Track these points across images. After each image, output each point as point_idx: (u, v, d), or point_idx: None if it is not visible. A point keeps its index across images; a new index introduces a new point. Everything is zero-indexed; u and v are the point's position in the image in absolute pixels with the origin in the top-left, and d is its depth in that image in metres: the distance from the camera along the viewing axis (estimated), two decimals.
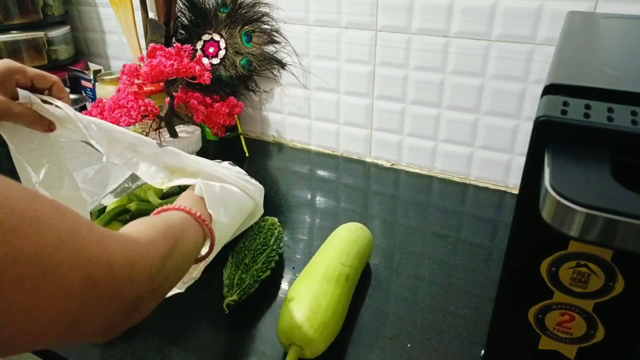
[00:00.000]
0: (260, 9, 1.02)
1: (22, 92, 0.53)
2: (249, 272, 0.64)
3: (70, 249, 0.32)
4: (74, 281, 0.32)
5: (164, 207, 0.54)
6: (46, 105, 0.54)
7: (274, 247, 0.69)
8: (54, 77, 0.57)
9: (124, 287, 0.37)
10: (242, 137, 1.08)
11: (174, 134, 1.01)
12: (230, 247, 0.69)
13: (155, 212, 0.53)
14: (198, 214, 0.53)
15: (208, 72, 0.97)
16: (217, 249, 0.62)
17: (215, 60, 1.05)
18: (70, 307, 0.32)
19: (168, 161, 0.61)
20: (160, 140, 0.99)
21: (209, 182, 0.61)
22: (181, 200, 0.56)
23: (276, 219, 0.73)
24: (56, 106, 0.55)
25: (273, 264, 0.67)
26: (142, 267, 0.39)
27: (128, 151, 0.58)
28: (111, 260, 0.35)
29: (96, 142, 0.54)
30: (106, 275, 0.35)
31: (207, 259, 0.57)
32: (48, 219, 0.31)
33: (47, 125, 0.56)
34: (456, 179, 0.96)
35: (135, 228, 0.44)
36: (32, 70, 0.55)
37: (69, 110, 0.55)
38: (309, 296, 0.56)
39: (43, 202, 0.32)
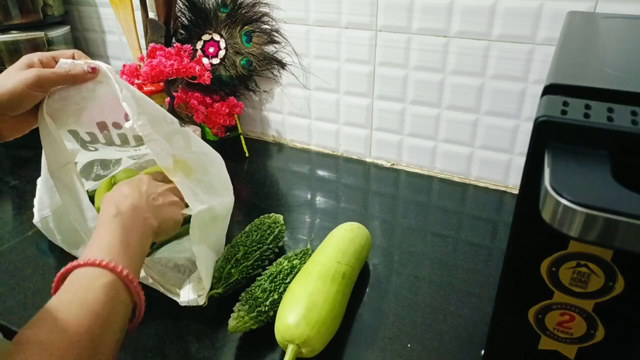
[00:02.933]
0: (260, 9, 1.02)
1: (62, 61, 0.55)
2: (239, 267, 0.63)
3: None
4: None
5: (85, 260, 0.42)
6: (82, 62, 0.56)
7: (271, 245, 0.69)
8: (71, 50, 0.58)
9: None
10: (242, 137, 1.08)
11: None
12: (230, 237, 0.69)
13: (67, 268, 0.42)
14: (127, 274, 0.43)
15: (208, 72, 0.97)
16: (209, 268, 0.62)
17: (215, 60, 1.05)
18: None
19: (177, 144, 0.61)
20: None
21: (199, 215, 0.59)
22: (100, 240, 0.45)
23: (280, 217, 0.73)
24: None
25: (267, 262, 0.67)
26: None
27: (147, 121, 0.56)
28: None
29: (127, 104, 0.54)
30: None
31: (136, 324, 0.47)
32: None
33: (89, 71, 0.55)
34: (456, 179, 0.96)
35: (50, 330, 0.36)
36: (50, 53, 0.56)
37: (103, 65, 0.56)
38: (305, 294, 0.56)
39: None
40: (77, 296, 0.39)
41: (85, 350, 0.37)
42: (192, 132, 0.64)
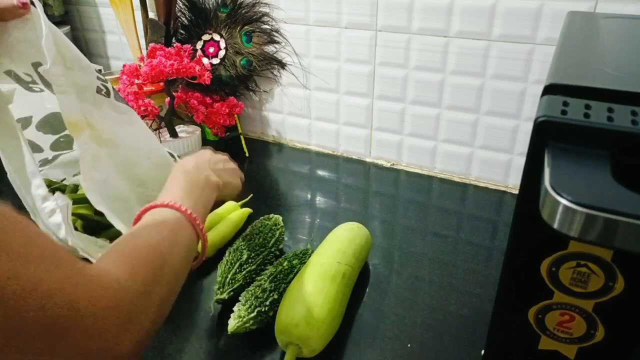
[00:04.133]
0: (260, 9, 1.02)
1: None
2: (243, 272, 0.63)
3: (29, 280, 0.28)
4: (30, 317, 0.28)
5: (159, 202, 0.48)
6: None
7: (272, 249, 0.69)
8: None
9: (101, 335, 0.32)
10: (242, 137, 1.08)
11: (174, 134, 1.01)
12: (229, 242, 0.69)
13: (143, 209, 0.48)
14: (190, 213, 0.48)
15: (208, 72, 0.97)
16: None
17: (215, 60, 1.05)
18: (35, 349, 0.28)
19: (98, 110, 0.57)
20: (160, 140, 0.99)
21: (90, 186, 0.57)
22: (170, 191, 0.50)
23: (280, 218, 0.73)
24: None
25: (269, 266, 0.67)
26: (121, 311, 0.34)
27: (63, 70, 0.53)
28: (79, 303, 0.31)
29: (47, 49, 0.51)
30: (73, 319, 0.30)
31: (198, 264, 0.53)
32: (9, 245, 0.28)
33: (20, 6, 0.53)
34: (456, 179, 0.96)
35: (117, 259, 0.38)
36: None
37: (35, 1, 0.53)
38: (304, 294, 0.56)
39: (10, 228, 0.28)
40: (149, 224, 0.45)
41: (155, 260, 0.40)
42: (127, 108, 0.60)
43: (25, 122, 0.70)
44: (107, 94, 0.59)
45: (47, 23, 0.53)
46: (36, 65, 0.59)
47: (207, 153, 0.63)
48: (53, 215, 0.59)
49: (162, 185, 0.55)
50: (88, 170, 0.57)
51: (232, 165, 0.66)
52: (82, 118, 0.56)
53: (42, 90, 0.64)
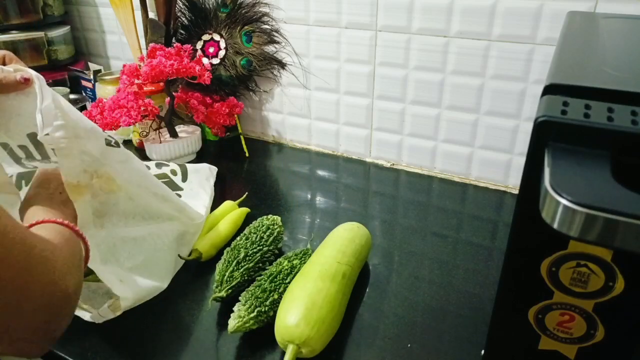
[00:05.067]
0: (260, 9, 1.02)
1: None
2: (241, 270, 0.63)
3: (4, 226, 0.35)
4: (12, 259, 0.35)
5: (34, 221, 0.50)
6: (11, 69, 0.53)
7: (271, 247, 0.69)
8: (1, 52, 0.56)
9: (59, 280, 0.40)
10: (242, 137, 1.08)
11: (174, 134, 1.01)
12: (229, 243, 0.69)
13: (37, 222, 0.50)
14: (71, 225, 0.51)
15: (208, 72, 0.97)
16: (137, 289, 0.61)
17: (215, 60, 1.05)
18: (11, 291, 0.35)
19: (109, 159, 0.59)
20: (160, 140, 0.99)
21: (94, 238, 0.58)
22: (38, 215, 0.52)
23: (278, 218, 0.73)
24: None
25: (268, 264, 0.67)
26: (64, 264, 0.42)
27: (67, 135, 0.54)
28: (41, 250, 0.39)
29: (41, 116, 0.52)
30: (41, 264, 0.38)
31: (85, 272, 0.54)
32: None
33: (22, 82, 0.53)
34: (456, 179, 0.96)
35: (39, 232, 0.45)
36: None
37: (33, 74, 0.53)
38: (304, 294, 0.56)
39: None
40: (49, 230, 0.48)
41: (71, 246, 0.47)
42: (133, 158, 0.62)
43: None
44: (117, 145, 0.61)
45: (50, 91, 0.54)
46: (32, 136, 0.59)
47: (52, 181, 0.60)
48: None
49: (169, 215, 0.66)
50: (86, 230, 0.58)
51: None
52: (86, 177, 0.57)
53: (34, 169, 0.65)
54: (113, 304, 0.59)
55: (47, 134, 0.52)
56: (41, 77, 0.54)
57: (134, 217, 0.65)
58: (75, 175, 0.56)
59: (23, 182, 0.72)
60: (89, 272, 0.59)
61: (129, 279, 0.61)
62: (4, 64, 0.55)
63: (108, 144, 0.59)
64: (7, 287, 0.35)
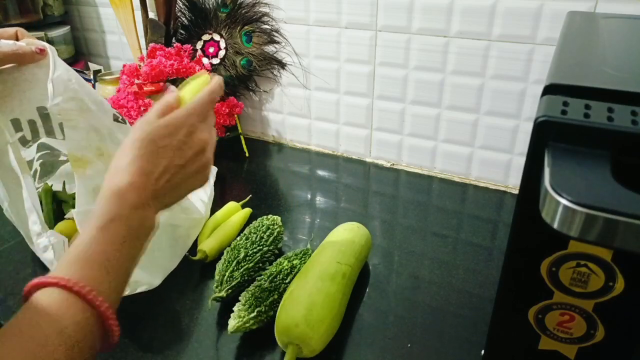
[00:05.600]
0: (260, 9, 1.02)
1: (2, 42, 0.53)
2: (241, 270, 0.63)
3: None
4: None
5: (49, 279, 0.34)
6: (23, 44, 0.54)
7: (271, 247, 0.69)
8: (14, 28, 0.56)
9: None
10: (242, 137, 1.08)
11: None
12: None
13: (32, 284, 0.34)
14: (81, 287, 0.34)
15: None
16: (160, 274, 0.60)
17: (215, 60, 1.05)
18: None
19: (107, 142, 0.58)
20: None
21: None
22: (86, 245, 0.36)
23: (278, 218, 0.73)
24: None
25: (268, 264, 0.67)
26: None
27: (76, 107, 0.54)
28: None
29: (52, 85, 0.52)
30: None
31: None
32: None
33: (38, 52, 0.54)
34: (456, 179, 0.96)
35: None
36: None
37: (47, 46, 0.55)
38: (304, 294, 0.56)
39: None
40: (26, 329, 0.32)
41: None
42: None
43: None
44: (124, 121, 0.61)
45: (62, 63, 0.55)
46: (41, 109, 0.60)
47: (166, 154, 0.41)
48: (46, 252, 0.61)
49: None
50: (84, 203, 0.57)
51: (205, 159, 0.45)
52: (89, 153, 0.57)
53: (32, 144, 0.66)
54: None
55: (57, 104, 0.52)
56: (53, 49, 0.55)
57: None
58: (80, 149, 0.56)
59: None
60: None
61: None
62: (17, 39, 0.56)
63: (116, 119, 0.59)
64: None
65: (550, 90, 0.37)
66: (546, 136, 0.34)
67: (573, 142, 0.33)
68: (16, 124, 0.61)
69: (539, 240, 0.38)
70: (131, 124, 0.90)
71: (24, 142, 0.64)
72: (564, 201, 0.29)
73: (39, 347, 0.31)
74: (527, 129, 0.86)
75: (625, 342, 0.40)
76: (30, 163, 0.72)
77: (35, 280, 0.34)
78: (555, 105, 0.35)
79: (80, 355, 0.33)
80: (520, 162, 0.89)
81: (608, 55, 0.45)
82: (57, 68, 0.54)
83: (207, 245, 0.71)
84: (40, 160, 0.73)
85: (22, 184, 0.60)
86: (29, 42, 0.55)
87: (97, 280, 0.35)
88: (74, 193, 0.76)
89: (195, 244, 0.74)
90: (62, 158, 0.75)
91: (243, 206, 0.83)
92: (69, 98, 0.54)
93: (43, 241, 0.61)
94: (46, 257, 0.61)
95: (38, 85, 0.56)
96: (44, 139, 0.65)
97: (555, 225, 0.30)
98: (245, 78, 1.07)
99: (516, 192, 0.78)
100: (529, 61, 0.81)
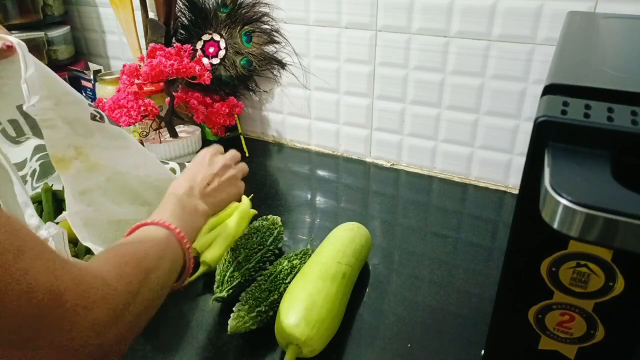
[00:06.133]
0: (260, 9, 1.02)
1: None
2: (241, 270, 0.63)
3: (10, 269, 0.28)
4: (14, 306, 0.28)
5: (148, 221, 0.49)
6: None
7: (271, 247, 0.69)
8: None
9: (82, 331, 0.32)
10: (242, 137, 1.08)
11: (174, 134, 1.01)
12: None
13: (134, 227, 0.49)
14: (179, 232, 0.48)
15: (208, 72, 0.97)
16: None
17: (215, 60, 1.05)
18: (6, 337, 0.29)
19: (94, 139, 0.57)
20: (160, 140, 0.99)
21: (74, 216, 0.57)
22: (160, 212, 0.51)
23: (278, 218, 0.73)
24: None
25: (268, 265, 0.67)
26: (105, 309, 0.34)
27: (52, 105, 0.52)
28: (63, 293, 0.31)
29: (27, 86, 0.50)
30: (57, 309, 0.30)
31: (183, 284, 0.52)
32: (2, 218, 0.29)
33: (5, 49, 0.52)
34: (456, 179, 0.96)
35: (106, 261, 0.39)
36: None
37: (14, 41, 0.52)
38: (304, 294, 0.56)
39: None
40: (138, 237, 0.47)
41: (141, 267, 0.41)
42: (125, 133, 0.60)
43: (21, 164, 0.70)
44: (102, 119, 0.59)
45: (34, 60, 0.52)
46: (20, 108, 0.58)
47: (202, 169, 0.59)
48: (48, 244, 0.60)
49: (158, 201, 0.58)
50: (74, 204, 0.56)
51: (231, 172, 0.61)
52: (70, 152, 0.56)
53: (27, 139, 0.64)
54: None
55: (33, 105, 0.50)
56: (23, 44, 0.52)
57: (119, 198, 0.63)
58: (60, 149, 0.55)
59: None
60: None
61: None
62: None
63: (93, 118, 0.57)
64: (4, 341, 0.29)
65: (550, 90, 0.37)
66: (546, 136, 0.34)
67: (573, 142, 0.33)
68: None
69: (539, 240, 0.38)
70: (131, 124, 0.90)
71: (9, 137, 0.62)
72: (564, 201, 0.29)
73: (147, 247, 0.44)
74: (527, 129, 0.86)
75: (625, 342, 0.40)
76: (23, 163, 0.71)
77: (142, 222, 0.49)
78: (555, 105, 0.35)
79: (172, 270, 0.47)
80: (520, 162, 0.89)
81: (608, 55, 0.45)
82: (28, 66, 0.51)
83: (211, 253, 0.69)
84: (40, 161, 0.72)
85: (12, 179, 0.59)
86: None
87: (177, 223, 0.49)
88: None
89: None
90: None
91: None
92: (44, 97, 0.52)
93: (43, 233, 0.60)
94: None
95: (12, 81, 0.53)
96: (30, 141, 0.64)
97: (555, 225, 0.30)
98: (245, 78, 1.07)
99: (516, 192, 0.78)
100: (529, 61, 0.81)
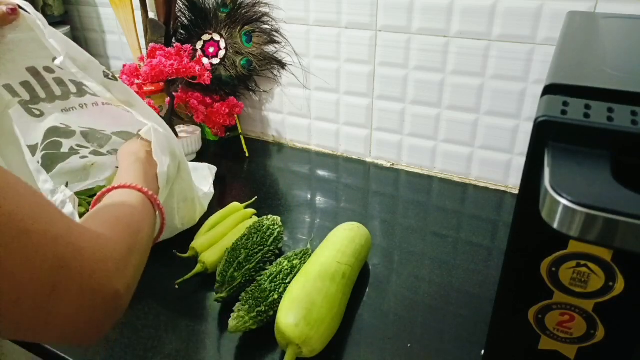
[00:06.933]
0: (260, 9, 1.02)
1: None
2: (241, 270, 0.63)
3: (42, 222, 0.32)
4: (43, 256, 0.31)
5: (117, 184, 0.52)
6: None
7: (271, 247, 0.68)
8: None
9: (99, 279, 0.36)
10: (242, 137, 1.08)
11: (174, 134, 1.01)
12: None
13: (107, 189, 0.52)
14: (152, 194, 0.53)
15: (208, 72, 0.97)
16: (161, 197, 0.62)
17: (215, 60, 1.05)
18: (39, 287, 0.31)
19: (115, 94, 0.60)
20: None
21: (158, 128, 0.60)
22: (127, 176, 0.55)
23: (278, 218, 0.73)
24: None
25: (268, 264, 0.67)
26: (113, 262, 0.39)
27: (70, 64, 0.54)
28: (82, 248, 0.35)
29: (55, 40, 0.52)
30: (77, 261, 0.34)
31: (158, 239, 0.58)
32: (22, 189, 0.32)
33: (9, 13, 0.52)
34: (456, 179, 0.96)
35: (100, 223, 0.43)
36: None
37: (15, 2, 0.52)
38: (305, 294, 0.56)
39: (16, 179, 0.32)
40: (118, 201, 0.50)
41: (132, 227, 0.45)
42: (127, 88, 0.62)
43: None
44: (114, 78, 0.61)
45: (43, 19, 0.53)
46: (31, 70, 0.59)
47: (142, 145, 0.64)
48: (64, 207, 0.63)
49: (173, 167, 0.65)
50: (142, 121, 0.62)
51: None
52: (109, 99, 0.59)
53: (41, 114, 0.65)
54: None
55: (63, 60, 0.52)
56: (29, 4, 0.53)
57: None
58: (102, 92, 0.58)
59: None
60: None
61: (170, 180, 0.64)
62: None
63: (106, 76, 0.59)
64: (31, 283, 0.31)
65: (550, 90, 0.37)
66: (546, 136, 0.34)
67: (573, 142, 0.33)
68: (10, 90, 0.60)
69: (539, 240, 0.38)
70: None
71: (26, 108, 0.63)
72: (564, 201, 0.29)
73: (131, 209, 0.48)
74: (527, 129, 0.86)
75: (625, 342, 0.40)
76: (35, 148, 0.72)
77: (114, 185, 0.52)
78: (555, 105, 0.35)
79: (153, 228, 0.52)
80: (520, 162, 0.89)
81: (608, 55, 0.45)
82: (45, 24, 0.52)
83: (208, 256, 0.69)
84: (44, 152, 0.72)
85: (22, 148, 0.61)
86: None
87: (145, 185, 0.54)
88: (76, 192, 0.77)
89: (189, 241, 0.73)
90: (63, 150, 0.75)
91: (247, 207, 0.83)
92: (67, 56, 0.53)
93: (59, 197, 0.64)
94: (66, 211, 0.62)
95: (19, 45, 0.54)
96: (58, 118, 0.65)
97: (555, 225, 0.30)
98: (245, 78, 1.07)
99: (516, 192, 0.78)
100: (529, 61, 0.81)
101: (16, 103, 0.63)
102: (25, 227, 0.30)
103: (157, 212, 0.54)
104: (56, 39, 0.53)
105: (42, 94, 0.63)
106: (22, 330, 0.32)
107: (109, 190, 0.52)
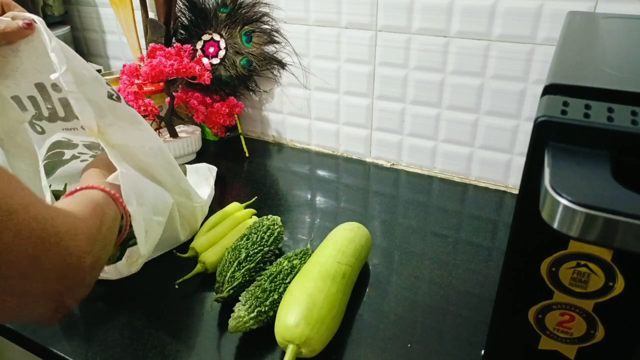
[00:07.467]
0: (260, 9, 1.02)
1: None
2: (241, 270, 0.63)
3: (22, 202, 0.35)
4: (27, 232, 0.35)
5: (82, 186, 0.54)
6: (8, 19, 0.53)
7: (272, 247, 0.68)
8: None
9: (73, 253, 0.40)
10: (242, 137, 1.08)
11: (174, 134, 1.01)
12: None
13: (72, 190, 0.54)
14: (114, 193, 0.55)
15: (208, 72, 0.97)
16: (151, 243, 0.62)
17: (215, 60, 1.05)
18: (22, 261, 0.35)
19: (119, 115, 0.60)
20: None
21: (128, 173, 0.59)
22: (90, 179, 0.57)
23: (278, 218, 0.73)
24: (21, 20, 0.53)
25: (268, 264, 0.67)
26: (84, 238, 0.42)
27: (72, 79, 0.54)
28: (57, 225, 0.39)
29: (55, 55, 0.52)
30: (54, 237, 0.38)
31: (123, 238, 0.59)
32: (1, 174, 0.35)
33: (25, 27, 0.52)
34: (456, 179, 0.96)
35: (67, 205, 0.47)
36: None
37: (34, 17, 0.53)
38: (304, 294, 0.56)
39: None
40: (80, 198, 0.51)
41: (96, 218, 0.48)
42: (134, 112, 0.62)
43: None
44: (118, 99, 0.60)
45: (53, 37, 0.53)
46: (39, 86, 0.60)
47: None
48: None
49: (172, 184, 0.67)
50: (120, 164, 0.59)
51: None
52: (101, 123, 0.58)
53: (42, 132, 0.66)
54: (129, 259, 0.62)
55: (63, 73, 0.52)
56: (41, 19, 0.53)
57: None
58: (89, 118, 0.57)
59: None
60: (131, 237, 0.60)
61: (150, 228, 0.62)
62: (2, 13, 0.54)
63: (110, 97, 0.59)
64: (18, 255, 0.35)
65: (550, 90, 0.37)
66: (546, 136, 0.34)
67: (573, 142, 0.33)
68: (18, 102, 0.61)
69: (539, 240, 0.38)
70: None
71: (30, 123, 0.64)
72: (564, 201, 0.29)
73: (94, 204, 0.50)
74: (527, 129, 0.86)
75: (625, 342, 0.40)
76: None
77: (76, 188, 0.53)
78: (555, 105, 0.35)
79: (116, 220, 0.54)
80: (520, 162, 0.89)
81: (608, 55, 0.45)
82: (51, 38, 0.52)
83: (208, 256, 0.69)
84: (46, 161, 0.73)
85: (39, 165, 0.61)
86: (14, 14, 0.52)
87: (108, 186, 0.56)
88: None
89: (189, 241, 0.73)
90: (65, 157, 0.75)
91: (247, 207, 0.83)
92: (65, 70, 0.53)
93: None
94: None
95: (30, 59, 0.54)
96: (61, 135, 0.66)
97: (555, 225, 0.30)
98: (245, 78, 1.07)
99: (516, 192, 0.78)
100: (529, 61, 0.81)
101: (30, 117, 0.64)
102: (8, 207, 0.34)
103: (121, 210, 0.56)
104: (59, 54, 0.52)
105: (45, 112, 0.63)
106: None
107: (74, 192, 0.53)
